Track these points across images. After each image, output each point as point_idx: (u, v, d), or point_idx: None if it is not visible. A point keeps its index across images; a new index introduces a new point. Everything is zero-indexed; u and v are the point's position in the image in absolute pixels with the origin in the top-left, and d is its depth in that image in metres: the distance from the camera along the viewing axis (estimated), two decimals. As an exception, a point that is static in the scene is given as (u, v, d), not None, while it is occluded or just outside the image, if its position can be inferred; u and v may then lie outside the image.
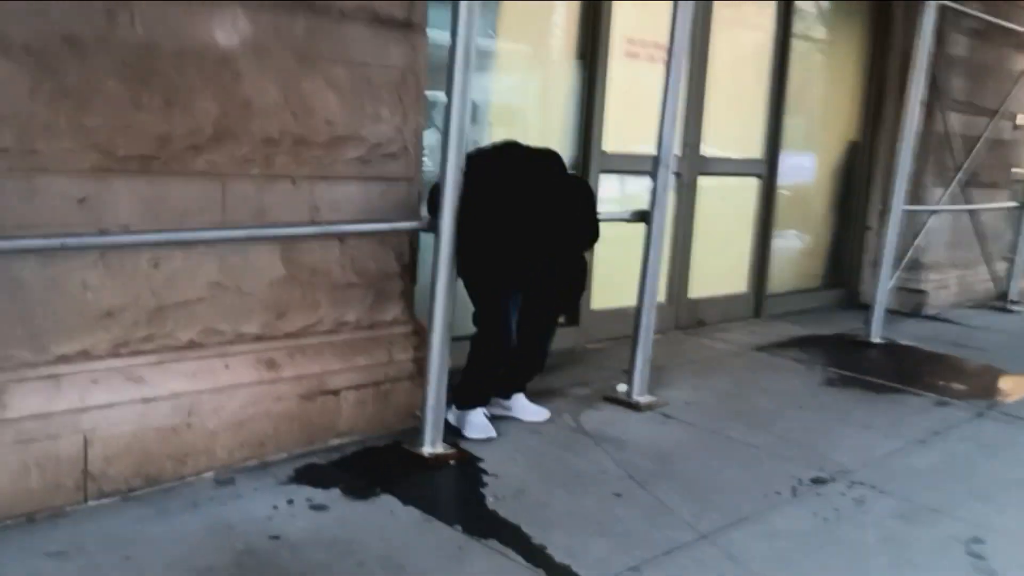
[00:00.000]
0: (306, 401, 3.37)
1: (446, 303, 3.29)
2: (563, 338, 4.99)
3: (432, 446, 3.39)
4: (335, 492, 3.05)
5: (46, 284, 2.77)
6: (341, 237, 3.45)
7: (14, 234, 2.64)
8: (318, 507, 2.94)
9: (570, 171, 3.68)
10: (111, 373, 2.92)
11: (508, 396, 3.87)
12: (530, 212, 3.31)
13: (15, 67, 2.62)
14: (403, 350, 3.69)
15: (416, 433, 3.41)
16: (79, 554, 2.55)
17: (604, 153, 5.07)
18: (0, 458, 2.67)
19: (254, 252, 3.23)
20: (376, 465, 3.31)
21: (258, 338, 3.29)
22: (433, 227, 3.26)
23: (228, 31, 3.06)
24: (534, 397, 4.01)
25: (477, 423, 3.63)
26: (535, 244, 3.34)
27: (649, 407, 4.16)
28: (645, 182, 4.15)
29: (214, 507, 2.89)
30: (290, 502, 2.95)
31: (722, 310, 6.13)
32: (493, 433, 3.62)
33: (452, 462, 3.37)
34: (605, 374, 4.54)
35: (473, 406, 3.66)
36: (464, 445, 3.52)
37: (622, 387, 4.27)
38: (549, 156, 3.51)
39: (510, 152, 3.48)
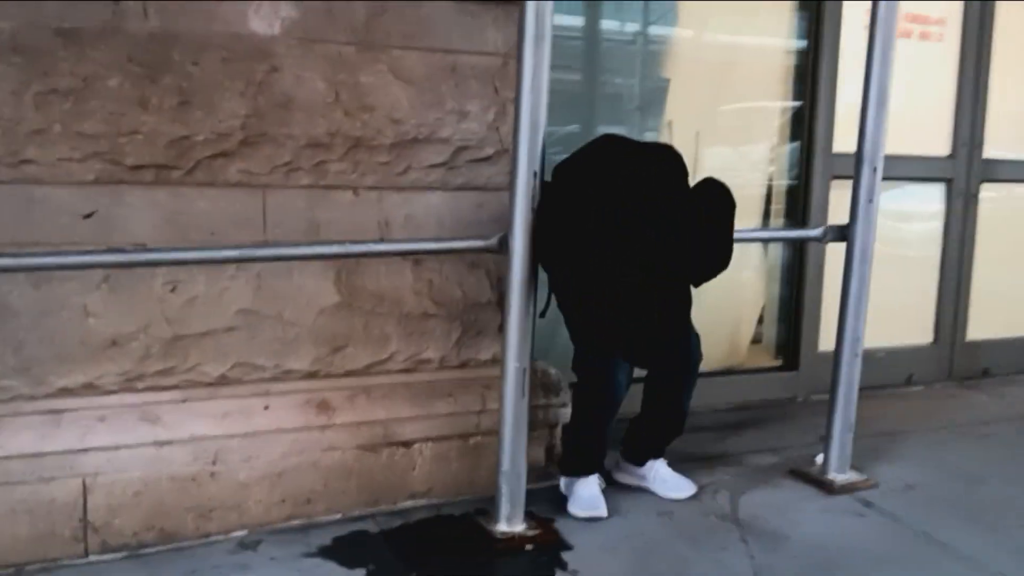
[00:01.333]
0: (367, 453, 2.82)
1: (520, 340, 2.59)
2: (773, 385, 4.05)
3: (508, 523, 2.69)
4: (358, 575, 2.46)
5: (40, 308, 2.48)
6: (416, 259, 2.87)
7: (7, 252, 2.37)
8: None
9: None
10: (122, 411, 2.58)
11: (642, 463, 3.05)
12: (630, 239, 2.49)
13: (11, 69, 2.35)
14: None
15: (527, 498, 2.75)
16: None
17: (833, 155, 4.01)
18: (-12, 500, 2.41)
19: (300, 275, 2.75)
20: (434, 541, 2.68)
21: (309, 375, 2.81)
22: (503, 247, 2.57)
23: (267, 16, 2.61)
24: (695, 463, 3.17)
25: (583, 496, 2.86)
26: (637, 293, 2.51)
27: (846, 489, 3.11)
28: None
29: (209, 579, 2.43)
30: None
31: (1018, 358, 4.69)
32: (601, 511, 2.83)
33: (529, 547, 2.64)
34: (810, 438, 3.51)
35: (577, 474, 2.90)
36: (560, 524, 2.78)
37: (820, 458, 3.25)
38: (660, 156, 2.65)
39: (605, 153, 2.65)
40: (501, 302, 2.96)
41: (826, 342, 4.12)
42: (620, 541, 2.70)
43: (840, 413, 3.15)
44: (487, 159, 2.92)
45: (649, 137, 3.80)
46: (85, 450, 2.51)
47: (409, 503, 2.88)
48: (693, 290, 2.69)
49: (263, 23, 2.61)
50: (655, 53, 3.84)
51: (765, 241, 3.88)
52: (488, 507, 2.79)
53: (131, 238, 2.54)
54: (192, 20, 2.52)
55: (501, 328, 2.99)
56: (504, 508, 2.69)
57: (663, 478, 3.02)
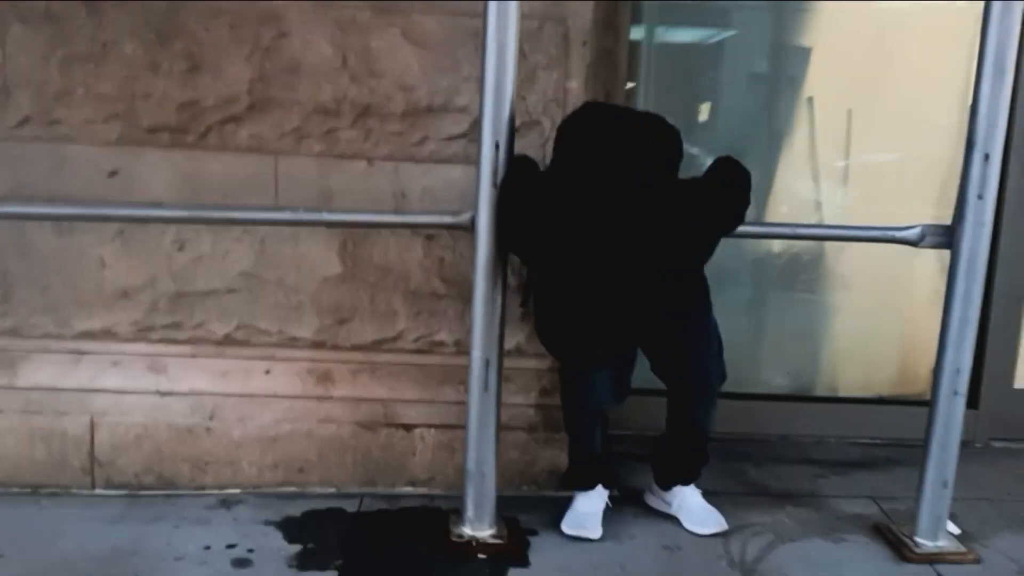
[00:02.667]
0: (365, 431, 2.75)
1: (485, 329, 2.35)
2: None
3: (472, 527, 2.47)
4: (290, 551, 2.40)
5: (63, 256, 2.70)
6: (428, 234, 2.72)
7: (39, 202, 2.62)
8: (239, 562, 2.34)
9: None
10: (134, 358, 2.74)
11: (667, 487, 2.64)
12: (591, 232, 2.14)
13: (31, 32, 2.58)
14: (521, 390, 2.78)
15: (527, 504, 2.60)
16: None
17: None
18: (8, 424, 2.69)
19: (305, 243, 2.73)
20: (394, 532, 2.54)
21: (316, 345, 2.78)
22: (472, 225, 2.34)
23: (282, -18, 2.60)
24: (764, 498, 2.76)
25: (576, 512, 2.55)
26: (591, 293, 2.16)
27: (929, 558, 2.46)
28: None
29: (162, 526, 2.51)
30: (231, 546, 2.41)
31: None
32: (589, 532, 2.50)
33: (482, 556, 2.40)
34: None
35: (574, 486, 2.59)
36: (540, 538, 2.51)
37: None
38: (644, 128, 2.23)
39: (578, 126, 2.27)
40: (523, 287, 2.71)
41: (1024, 377, 3.34)
42: (588, 569, 2.37)
43: (933, 463, 2.49)
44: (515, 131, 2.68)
45: (782, 118, 3.27)
46: (96, 390, 2.71)
47: (408, 489, 2.77)
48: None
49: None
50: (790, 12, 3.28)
51: (839, 240, 3.15)
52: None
53: (150, 195, 2.67)
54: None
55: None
56: (469, 510, 2.47)
57: (688, 508, 2.60)
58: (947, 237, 2.41)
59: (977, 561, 2.46)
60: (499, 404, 2.43)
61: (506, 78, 2.25)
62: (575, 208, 2.12)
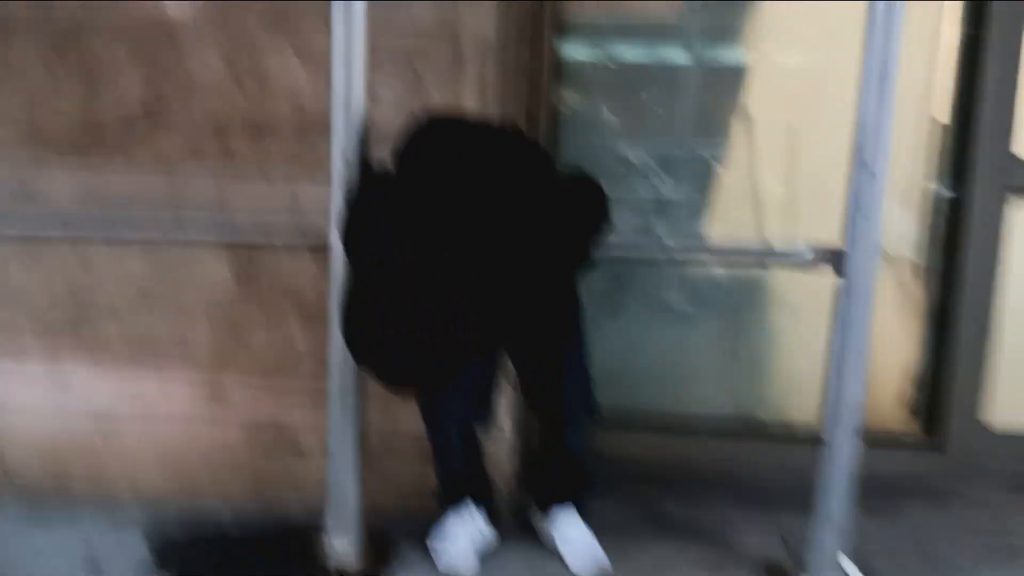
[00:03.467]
0: (256, 449, 2.73)
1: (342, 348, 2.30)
2: (903, 462, 3.12)
3: (340, 545, 2.41)
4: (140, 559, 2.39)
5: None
6: (314, 250, 2.68)
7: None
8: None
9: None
10: (26, 373, 2.80)
11: (543, 507, 2.54)
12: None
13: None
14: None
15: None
16: None
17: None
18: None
19: (201, 257, 2.74)
20: (257, 544, 2.51)
21: (211, 362, 2.78)
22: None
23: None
24: (666, 531, 2.63)
25: (447, 540, 2.46)
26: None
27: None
28: None
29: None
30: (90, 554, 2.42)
31: None
32: (467, 563, 2.41)
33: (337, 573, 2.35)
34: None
35: (443, 505, 2.51)
36: (406, 557, 2.43)
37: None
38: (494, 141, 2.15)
39: (427, 132, 2.20)
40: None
41: (1000, 413, 3.11)
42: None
43: (821, 498, 2.32)
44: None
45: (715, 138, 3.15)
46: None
47: (298, 509, 2.73)
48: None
49: (175, 7, 2.64)
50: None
51: (731, 262, 2.99)
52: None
53: (58, 209, 2.73)
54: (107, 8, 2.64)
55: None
56: (332, 529, 2.42)
57: (566, 537, 2.48)
58: (834, 259, 2.25)
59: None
60: (361, 424, 2.38)
61: (354, 86, 2.22)
62: (417, 219, 2.03)
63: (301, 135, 2.63)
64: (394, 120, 2.54)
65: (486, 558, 2.47)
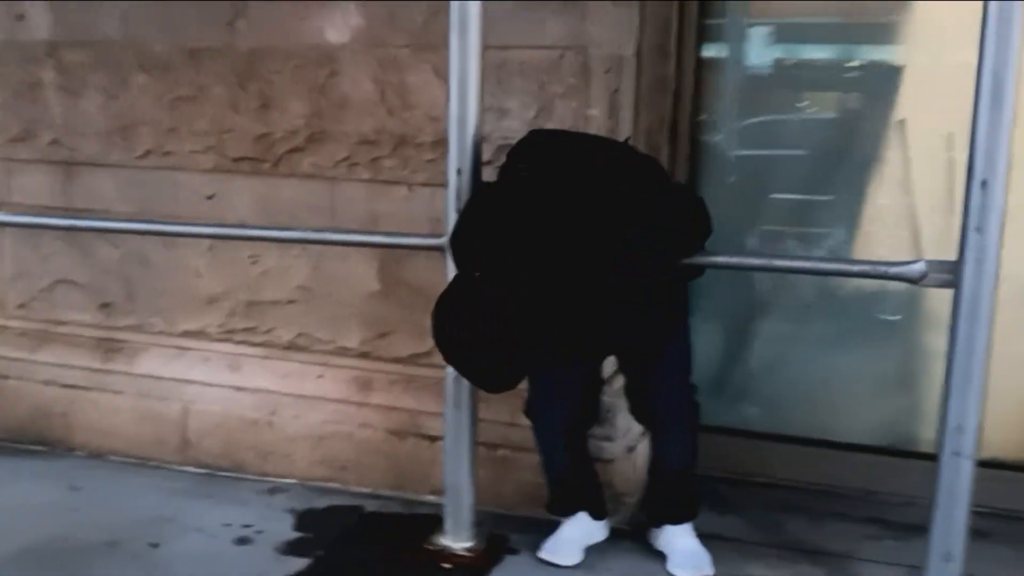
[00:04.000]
0: (395, 439, 2.95)
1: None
2: None
3: (451, 538, 2.57)
4: (289, 538, 2.66)
5: (169, 266, 3.20)
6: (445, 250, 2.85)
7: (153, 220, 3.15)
8: (242, 540, 2.65)
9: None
10: (219, 356, 3.17)
11: (655, 524, 2.56)
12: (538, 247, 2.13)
13: (150, 80, 3.12)
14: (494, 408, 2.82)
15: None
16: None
17: None
18: (130, 406, 3.24)
19: (354, 261, 2.99)
20: (382, 536, 2.72)
21: (362, 355, 3.03)
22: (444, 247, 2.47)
23: (339, 27, 2.92)
24: (785, 551, 2.60)
25: (558, 538, 2.55)
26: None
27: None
28: None
29: (206, 503, 2.89)
30: (246, 526, 2.73)
31: None
32: (560, 559, 2.50)
33: (447, 565, 2.50)
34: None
35: (553, 512, 2.59)
36: (517, 558, 2.55)
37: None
38: (596, 151, 2.20)
39: (537, 145, 2.28)
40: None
41: None
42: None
43: (937, 533, 2.19)
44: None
45: (869, 143, 2.99)
46: (186, 381, 3.18)
47: (430, 497, 2.90)
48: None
49: (335, 32, 2.91)
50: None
51: (829, 274, 2.76)
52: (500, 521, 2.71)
53: (237, 216, 3.09)
54: (283, 33, 2.95)
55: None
56: (447, 522, 2.58)
57: (673, 548, 2.50)
58: (951, 275, 2.12)
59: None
60: (474, 421, 2.52)
61: (468, 106, 2.36)
62: (532, 225, 2.12)
63: (436, 146, 2.81)
64: (522, 132, 2.68)
65: (591, 557, 2.53)
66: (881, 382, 3.09)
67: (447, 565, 2.50)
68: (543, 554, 2.52)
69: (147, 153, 3.17)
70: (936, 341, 2.97)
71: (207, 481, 3.07)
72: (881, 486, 3.00)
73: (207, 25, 3.02)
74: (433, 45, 2.78)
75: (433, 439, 2.90)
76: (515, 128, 2.74)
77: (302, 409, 3.05)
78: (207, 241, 3.13)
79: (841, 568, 2.52)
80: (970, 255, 2.06)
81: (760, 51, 3.13)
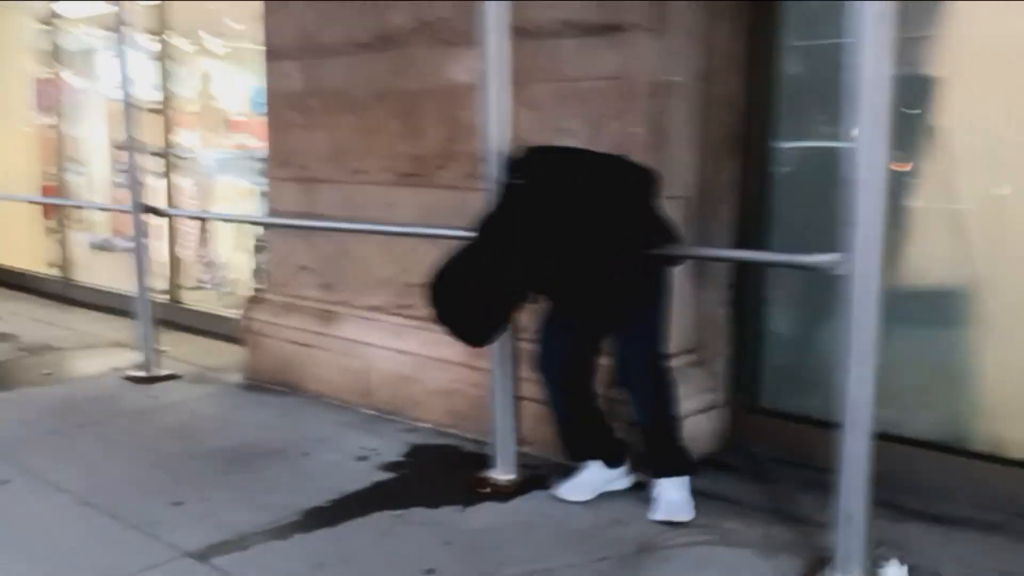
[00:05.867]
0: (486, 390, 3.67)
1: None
2: None
3: (496, 472, 3.25)
4: (390, 460, 3.51)
5: (359, 256, 4.21)
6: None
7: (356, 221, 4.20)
8: (360, 458, 3.53)
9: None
10: (388, 326, 4.12)
11: (654, 476, 3.02)
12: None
13: (353, 118, 4.17)
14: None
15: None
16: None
17: None
18: (335, 358, 4.31)
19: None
20: (453, 467, 3.45)
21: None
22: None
23: (465, 70, 3.73)
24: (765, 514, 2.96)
25: (573, 479, 3.12)
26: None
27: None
28: None
29: (354, 431, 3.83)
30: (372, 449, 3.62)
31: None
32: (570, 495, 3.07)
33: (484, 490, 3.18)
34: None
35: (567, 458, 3.14)
36: (544, 492, 3.16)
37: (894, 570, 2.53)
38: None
39: (532, 158, 2.87)
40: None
41: None
42: (539, 512, 2.99)
43: (841, 496, 2.45)
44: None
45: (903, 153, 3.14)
46: (369, 344, 4.17)
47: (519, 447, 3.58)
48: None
49: (463, 72, 3.72)
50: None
51: (763, 264, 2.83)
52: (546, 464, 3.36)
53: (406, 219, 4.02)
54: (435, 75, 3.83)
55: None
56: (496, 459, 3.26)
57: (658, 498, 2.96)
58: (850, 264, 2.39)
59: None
60: (516, 378, 3.18)
61: (501, 132, 3.05)
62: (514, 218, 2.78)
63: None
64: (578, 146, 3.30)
65: (600, 500, 3.05)
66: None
67: (485, 490, 3.18)
68: (556, 491, 3.10)
69: (352, 173, 4.22)
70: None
71: (372, 419, 4.02)
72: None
73: (389, 74, 4.00)
74: (525, 81, 3.49)
75: (519, 399, 3.58)
76: (573, 143, 3.35)
77: (438, 370, 3.88)
78: (379, 237, 4.09)
79: (807, 532, 2.78)
80: (857, 246, 2.33)
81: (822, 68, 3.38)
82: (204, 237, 7.45)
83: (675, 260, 2.93)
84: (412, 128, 3.94)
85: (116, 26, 4.62)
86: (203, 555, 2.72)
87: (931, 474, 3.09)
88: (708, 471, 3.28)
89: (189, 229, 7.21)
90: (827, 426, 3.31)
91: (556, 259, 2.68)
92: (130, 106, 4.63)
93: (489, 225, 2.83)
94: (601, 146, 3.24)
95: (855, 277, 2.34)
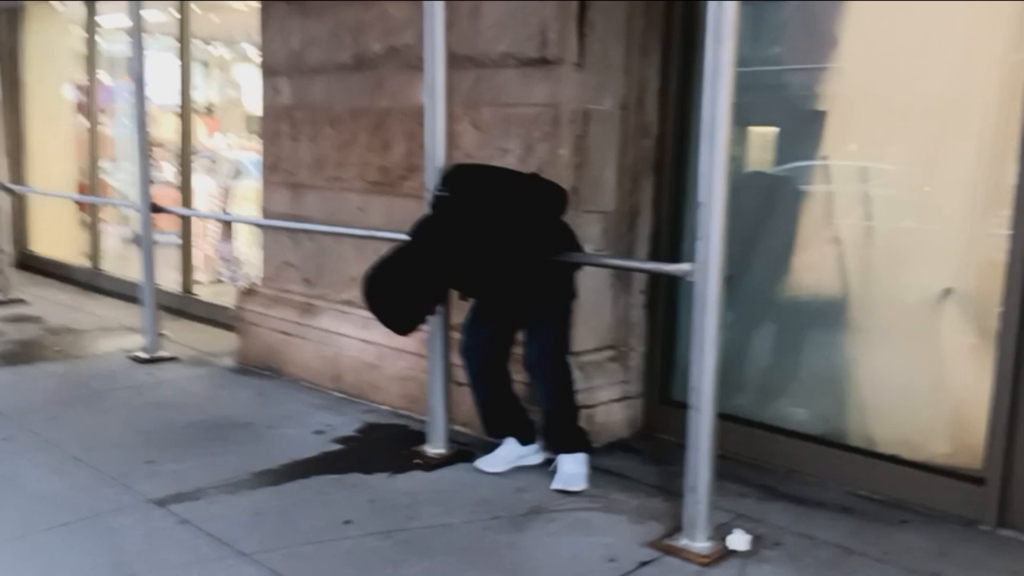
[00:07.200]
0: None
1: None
2: (943, 495, 3.28)
3: (429, 447, 3.71)
4: (342, 434, 3.99)
5: (334, 255, 4.70)
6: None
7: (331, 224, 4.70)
8: (318, 432, 4.02)
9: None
10: (355, 318, 4.60)
11: (554, 450, 3.47)
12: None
13: (332, 131, 4.67)
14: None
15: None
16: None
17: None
18: (311, 346, 4.81)
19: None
20: (396, 444, 3.89)
21: (431, 323, 4.26)
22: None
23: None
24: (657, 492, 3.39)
25: (493, 454, 3.57)
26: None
27: (668, 550, 2.87)
28: None
29: (320, 411, 4.31)
30: (328, 425, 4.11)
31: None
32: (485, 466, 3.52)
33: (417, 461, 3.65)
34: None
35: (487, 435, 3.59)
36: (467, 465, 3.61)
37: (738, 538, 2.95)
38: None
39: (457, 174, 3.35)
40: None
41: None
42: (459, 480, 3.45)
43: (687, 470, 2.87)
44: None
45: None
46: (340, 334, 4.66)
47: (456, 427, 4.03)
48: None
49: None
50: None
51: (623, 269, 3.23)
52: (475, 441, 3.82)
53: (373, 223, 4.50)
54: (403, 95, 4.31)
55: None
56: (428, 435, 3.72)
57: (559, 470, 3.40)
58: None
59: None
60: (447, 364, 3.64)
61: (437, 147, 3.52)
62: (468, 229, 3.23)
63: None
64: (517, 166, 3.76)
65: (514, 472, 3.49)
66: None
67: (418, 461, 3.65)
68: (476, 463, 3.55)
69: (330, 179, 4.72)
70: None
71: (338, 401, 4.50)
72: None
73: (363, 93, 4.49)
74: (474, 104, 3.96)
75: (459, 384, 4.03)
76: (511, 161, 3.81)
77: (396, 359, 4.35)
78: (353, 240, 4.58)
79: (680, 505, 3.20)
80: (700, 258, 2.76)
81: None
82: (226, 235, 8.05)
83: (574, 266, 3.37)
84: (381, 141, 4.43)
85: (135, 32, 5.15)
86: (162, 502, 3.21)
87: (809, 464, 3.49)
88: (617, 453, 3.73)
89: (212, 227, 7.81)
90: (726, 417, 3.78)
91: (472, 263, 3.14)
92: (143, 108, 5.17)
93: (417, 231, 3.29)
94: (532, 164, 3.72)
95: (700, 284, 2.76)
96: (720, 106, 2.67)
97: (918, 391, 3.33)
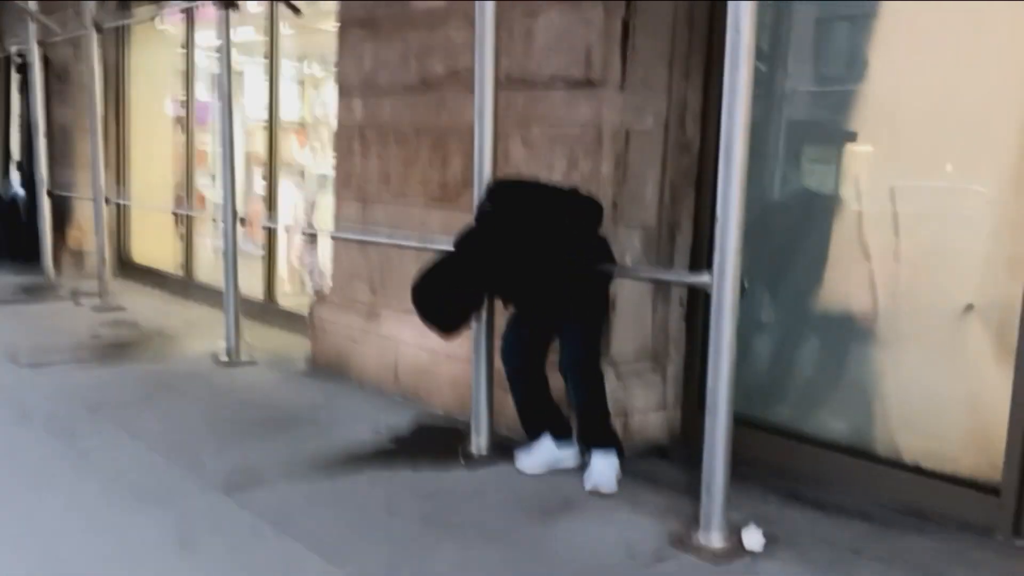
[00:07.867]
0: (496, 388, 4.36)
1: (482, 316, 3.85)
2: (959, 505, 3.35)
3: (474, 445, 3.94)
4: (397, 434, 4.25)
5: (397, 266, 4.99)
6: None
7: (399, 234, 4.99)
8: (375, 431, 4.28)
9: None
10: (413, 324, 4.86)
11: (584, 449, 3.67)
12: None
13: (397, 148, 4.97)
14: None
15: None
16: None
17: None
18: (374, 350, 5.10)
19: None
20: (446, 442, 4.12)
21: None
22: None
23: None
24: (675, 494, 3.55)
25: (529, 452, 3.76)
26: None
27: (696, 551, 3.02)
28: None
29: (374, 410, 4.59)
30: (386, 426, 4.38)
31: None
32: (523, 465, 3.72)
33: (462, 461, 3.87)
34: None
35: (526, 434, 3.78)
36: (509, 467, 3.82)
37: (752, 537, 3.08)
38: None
39: (499, 190, 3.57)
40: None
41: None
42: (499, 476, 3.67)
43: (705, 470, 3.02)
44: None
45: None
46: (400, 339, 4.94)
47: (501, 430, 4.24)
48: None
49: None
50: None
51: (648, 280, 3.38)
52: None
53: (432, 233, 4.77)
54: (456, 117, 4.58)
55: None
56: (473, 436, 3.95)
57: (589, 467, 3.58)
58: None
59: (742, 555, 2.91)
60: (491, 367, 3.86)
61: (484, 165, 3.75)
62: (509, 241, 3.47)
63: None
64: (559, 179, 3.98)
65: (551, 472, 3.69)
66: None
67: (462, 460, 3.87)
68: (516, 462, 3.76)
69: (396, 194, 5.01)
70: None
71: (398, 403, 4.77)
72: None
73: (426, 112, 4.77)
74: (524, 122, 4.19)
75: (506, 391, 4.25)
76: (556, 176, 4.02)
77: (450, 364, 4.60)
78: (414, 250, 4.86)
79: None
80: (716, 269, 2.92)
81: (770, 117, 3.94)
82: (311, 247, 8.46)
83: (607, 276, 3.55)
84: (441, 158, 4.69)
85: (223, 51, 5.56)
86: (225, 488, 3.52)
87: (834, 471, 3.59)
88: (651, 458, 3.89)
89: (298, 240, 8.23)
90: (758, 427, 3.90)
91: (509, 272, 3.38)
92: (230, 123, 5.57)
93: (462, 241, 3.53)
94: (575, 180, 3.92)
95: (717, 293, 2.92)
96: (736, 124, 2.84)
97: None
